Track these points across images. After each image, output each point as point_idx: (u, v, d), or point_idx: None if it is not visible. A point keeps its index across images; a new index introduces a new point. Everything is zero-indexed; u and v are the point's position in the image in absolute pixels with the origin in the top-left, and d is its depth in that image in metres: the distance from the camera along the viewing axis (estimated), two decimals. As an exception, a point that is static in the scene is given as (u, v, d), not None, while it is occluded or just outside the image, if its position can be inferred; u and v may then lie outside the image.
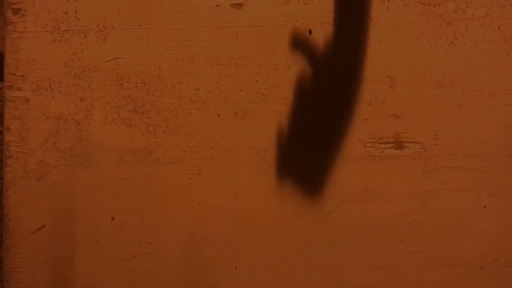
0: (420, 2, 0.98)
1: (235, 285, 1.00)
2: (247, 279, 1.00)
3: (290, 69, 1.00)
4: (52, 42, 1.04)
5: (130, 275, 1.02)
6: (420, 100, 0.98)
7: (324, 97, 0.98)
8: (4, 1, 1.05)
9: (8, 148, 1.05)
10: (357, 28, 0.97)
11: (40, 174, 1.04)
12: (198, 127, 1.02)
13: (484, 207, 0.96)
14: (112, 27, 1.03)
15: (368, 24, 0.98)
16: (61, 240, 1.04)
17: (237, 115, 1.01)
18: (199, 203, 1.01)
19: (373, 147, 0.98)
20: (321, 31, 0.98)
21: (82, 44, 1.04)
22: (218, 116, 1.01)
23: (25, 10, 1.05)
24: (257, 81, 1.01)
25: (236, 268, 1.00)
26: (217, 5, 1.01)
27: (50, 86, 1.04)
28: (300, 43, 0.99)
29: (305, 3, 0.99)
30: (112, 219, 1.02)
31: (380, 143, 0.98)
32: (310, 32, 0.99)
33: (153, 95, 1.03)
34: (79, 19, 1.04)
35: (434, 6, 0.97)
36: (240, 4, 1.01)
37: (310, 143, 0.99)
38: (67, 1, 1.04)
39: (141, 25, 1.03)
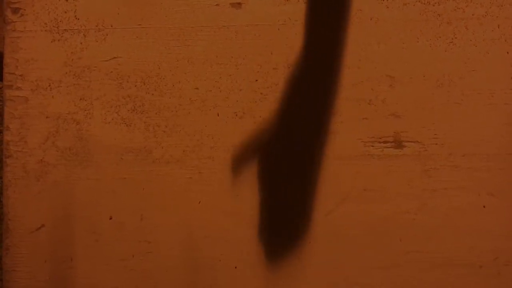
0: (419, 1, 0.98)
1: (235, 285, 1.00)
2: (246, 278, 1.00)
3: (290, 68, 1.00)
4: (51, 42, 1.04)
5: (130, 275, 1.02)
6: (420, 99, 0.98)
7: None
8: (4, 1, 1.05)
9: (7, 148, 1.05)
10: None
11: (40, 173, 1.04)
12: (197, 127, 1.02)
13: (484, 206, 0.96)
14: (111, 26, 1.03)
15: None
16: (60, 240, 1.04)
17: (236, 115, 1.01)
18: (199, 202, 1.01)
19: (372, 146, 0.98)
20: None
21: (81, 43, 1.04)
22: (218, 115, 1.01)
23: (25, 10, 1.05)
24: (256, 81, 1.01)
25: (235, 267, 1.00)
26: (216, 5, 1.01)
27: (49, 85, 1.04)
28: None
29: (304, 2, 0.99)
30: (110, 218, 1.02)
31: (380, 142, 0.98)
32: (309, 31, 0.99)
33: (152, 94, 1.02)
34: (78, 19, 1.04)
35: (433, 5, 0.97)
36: (239, 4, 1.01)
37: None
38: (67, 1, 1.04)
39: (140, 25, 1.03)
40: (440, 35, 0.97)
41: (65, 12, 1.04)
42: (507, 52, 0.96)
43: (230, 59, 1.01)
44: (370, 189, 0.98)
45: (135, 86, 1.03)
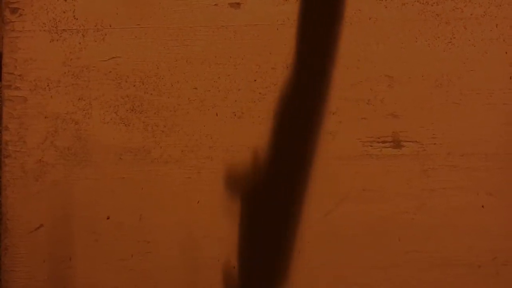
0: (418, 1, 0.98)
1: (234, 285, 1.00)
2: (246, 279, 1.00)
3: (288, 68, 1.00)
4: (50, 42, 1.04)
5: (129, 274, 1.02)
6: (418, 99, 0.98)
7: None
8: (2, 1, 1.05)
9: (6, 148, 1.05)
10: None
11: (39, 173, 1.04)
12: (196, 127, 1.02)
13: (483, 206, 0.97)
14: (110, 26, 1.03)
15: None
16: (59, 239, 1.04)
17: (235, 115, 1.01)
18: (198, 202, 1.01)
19: (371, 146, 0.98)
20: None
21: (80, 43, 1.04)
22: (217, 115, 1.01)
23: (23, 10, 1.05)
24: (255, 80, 1.01)
25: (234, 267, 1.00)
26: (215, 4, 1.01)
27: (48, 85, 1.04)
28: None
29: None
30: (108, 218, 1.02)
31: (379, 142, 0.98)
32: (308, 31, 0.99)
33: (151, 94, 1.02)
34: (77, 19, 1.04)
35: (432, 5, 0.97)
36: (238, 4, 1.01)
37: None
38: (65, 1, 1.04)
39: (139, 25, 1.03)
40: (439, 35, 0.97)
41: (64, 12, 1.04)
42: (506, 52, 0.96)
43: (228, 59, 1.01)
44: (369, 189, 0.98)
45: (134, 86, 1.03)
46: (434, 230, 0.97)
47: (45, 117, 1.04)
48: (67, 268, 1.03)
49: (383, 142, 0.98)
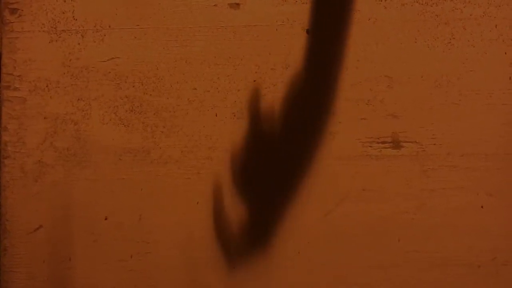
0: (417, 2, 0.98)
1: (234, 285, 1.00)
2: (243, 277, 1.00)
3: (288, 69, 1.00)
4: (49, 42, 1.04)
5: (129, 275, 1.02)
6: (418, 99, 0.98)
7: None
8: (1, 1, 1.05)
9: (5, 148, 1.05)
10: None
11: (38, 174, 1.04)
12: (196, 127, 1.02)
13: (482, 206, 0.97)
14: (109, 27, 1.03)
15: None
16: (59, 240, 1.04)
17: (235, 115, 1.01)
18: (197, 203, 1.01)
19: (371, 146, 0.98)
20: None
21: (79, 44, 1.04)
22: (216, 116, 1.01)
23: (22, 10, 1.05)
24: (254, 81, 1.01)
25: (234, 267, 1.00)
26: (214, 5, 1.01)
27: (47, 86, 1.04)
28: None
29: (303, 3, 0.99)
30: (106, 219, 1.02)
31: (378, 142, 0.98)
32: (307, 32, 0.99)
33: (150, 95, 1.02)
34: (76, 19, 1.04)
35: (431, 6, 0.97)
36: (237, 4, 1.01)
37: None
38: (64, 1, 1.04)
39: (138, 25, 1.03)
40: (438, 35, 0.97)
41: (63, 13, 1.04)
42: (505, 53, 0.96)
43: (228, 60, 1.01)
44: (369, 189, 0.98)
45: (133, 86, 1.03)
46: (434, 230, 0.97)
47: (44, 118, 1.04)
48: (66, 269, 1.03)
49: (383, 142, 0.98)
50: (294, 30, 0.99)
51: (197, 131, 1.02)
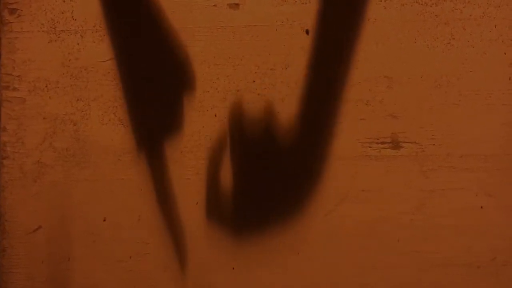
0: (417, 2, 0.97)
1: (233, 286, 1.00)
2: (244, 279, 1.00)
3: (288, 69, 1.00)
4: (48, 42, 1.04)
5: (128, 275, 1.02)
6: (417, 100, 0.98)
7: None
8: (1, 1, 1.05)
9: (4, 149, 1.04)
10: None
11: (37, 174, 1.04)
12: (195, 127, 1.02)
13: (482, 207, 0.97)
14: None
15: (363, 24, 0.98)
16: (58, 241, 1.04)
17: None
18: (196, 203, 1.01)
19: (370, 147, 0.98)
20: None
21: (78, 44, 1.04)
22: (215, 116, 1.01)
23: (22, 10, 1.04)
24: (254, 81, 1.00)
25: (233, 268, 1.00)
26: (214, 5, 1.01)
27: (46, 86, 1.04)
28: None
29: (302, 3, 0.99)
30: (104, 219, 1.02)
31: (378, 143, 0.98)
32: (307, 32, 0.99)
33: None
34: (75, 19, 1.04)
35: (431, 6, 0.97)
36: (237, 4, 1.01)
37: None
38: (64, 1, 1.04)
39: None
40: (438, 36, 0.97)
41: (62, 13, 1.04)
42: (505, 53, 0.96)
43: (227, 60, 1.01)
44: (368, 189, 0.98)
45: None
46: (433, 231, 0.97)
47: (44, 118, 1.04)
48: (66, 269, 1.03)
49: (382, 143, 0.98)
50: (294, 30, 0.99)
51: (196, 132, 1.02)
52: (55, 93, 1.04)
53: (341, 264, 0.98)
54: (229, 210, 1.00)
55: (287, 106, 0.99)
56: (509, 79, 0.96)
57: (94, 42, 1.03)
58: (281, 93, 1.00)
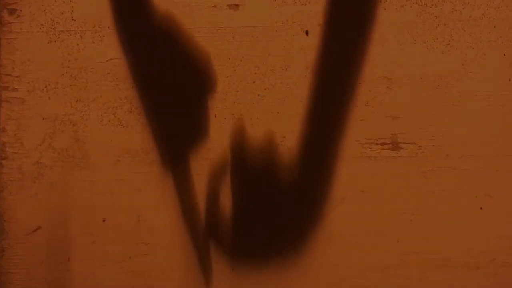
0: (416, 3, 0.98)
1: (233, 286, 1.00)
2: (244, 279, 1.00)
3: (287, 70, 1.00)
4: (48, 43, 1.04)
5: (127, 276, 1.02)
6: (417, 101, 0.98)
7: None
8: (0, 2, 1.04)
9: (4, 149, 1.04)
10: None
11: (36, 175, 1.04)
12: (195, 128, 1.02)
13: (481, 207, 0.97)
14: (108, 27, 1.03)
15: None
16: (57, 241, 1.04)
17: (234, 116, 1.01)
18: (196, 204, 1.01)
19: (369, 148, 0.99)
20: (318, 32, 0.99)
21: (78, 44, 1.04)
22: (215, 116, 1.01)
23: (21, 11, 1.04)
24: (254, 82, 1.01)
25: (232, 269, 1.00)
26: (214, 6, 1.01)
27: (46, 86, 1.04)
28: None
29: (301, 4, 0.99)
30: (104, 220, 1.02)
31: (377, 144, 0.99)
32: (307, 33, 0.99)
33: (150, 95, 1.02)
34: (75, 20, 1.04)
35: (430, 7, 0.97)
36: (236, 5, 1.01)
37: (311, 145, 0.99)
38: (63, 2, 1.04)
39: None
40: (437, 37, 0.97)
41: (62, 13, 1.04)
42: (504, 54, 0.96)
43: (227, 60, 1.01)
44: (368, 190, 0.99)
45: (132, 87, 1.03)
46: (432, 232, 0.97)
47: (43, 119, 1.04)
48: (65, 270, 1.03)
49: (382, 143, 0.98)
50: (294, 31, 0.99)
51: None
52: (54, 94, 1.04)
53: (340, 264, 0.98)
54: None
55: (287, 107, 0.99)
56: (509, 80, 0.96)
57: (94, 42, 1.03)
58: (280, 94, 1.00)
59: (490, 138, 0.97)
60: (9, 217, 1.04)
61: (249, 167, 0.99)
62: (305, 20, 0.99)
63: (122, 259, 1.02)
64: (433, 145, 0.98)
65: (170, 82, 1.02)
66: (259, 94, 1.00)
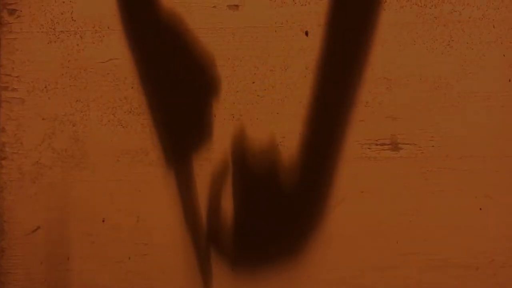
0: (416, 4, 0.98)
1: (233, 286, 1.00)
2: (244, 280, 1.00)
3: (287, 70, 1.00)
4: (48, 43, 1.04)
5: (127, 276, 1.02)
6: (417, 101, 0.98)
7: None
8: (0, 2, 1.04)
9: (3, 149, 1.04)
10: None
11: (36, 175, 1.04)
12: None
13: (481, 208, 0.97)
14: (108, 28, 1.03)
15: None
16: (57, 241, 1.04)
17: (233, 117, 1.01)
18: (196, 204, 1.01)
19: (369, 148, 0.99)
20: (318, 33, 0.99)
21: (78, 45, 1.04)
22: (215, 117, 1.01)
23: (21, 11, 1.04)
24: (253, 83, 1.01)
25: (232, 269, 1.00)
26: (213, 6, 1.01)
27: (46, 87, 1.04)
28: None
29: (301, 5, 0.99)
30: (103, 220, 1.02)
31: (377, 144, 0.99)
32: (306, 33, 0.99)
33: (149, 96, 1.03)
34: (75, 20, 1.04)
35: (430, 8, 0.98)
36: (236, 6, 1.01)
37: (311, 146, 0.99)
38: (63, 2, 1.04)
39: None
40: (437, 37, 0.97)
41: (62, 14, 1.04)
42: (504, 55, 0.96)
43: (227, 61, 1.01)
44: (367, 191, 0.99)
45: (132, 87, 1.03)
46: (432, 232, 0.97)
47: (43, 119, 1.04)
48: (64, 270, 1.03)
49: (381, 144, 0.98)
50: (293, 31, 1.00)
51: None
52: (54, 94, 1.04)
53: (340, 265, 0.98)
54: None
55: (286, 107, 1.00)
56: (509, 80, 0.96)
57: (94, 43, 1.03)
58: (280, 95, 1.00)
59: (490, 138, 0.97)
60: (8, 217, 1.04)
61: (249, 167, 0.99)
62: (305, 21, 0.99)
63: (121, 259, 1.02)
64: (433, 146, 0.98)
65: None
66: (258, 95, 1.00)
